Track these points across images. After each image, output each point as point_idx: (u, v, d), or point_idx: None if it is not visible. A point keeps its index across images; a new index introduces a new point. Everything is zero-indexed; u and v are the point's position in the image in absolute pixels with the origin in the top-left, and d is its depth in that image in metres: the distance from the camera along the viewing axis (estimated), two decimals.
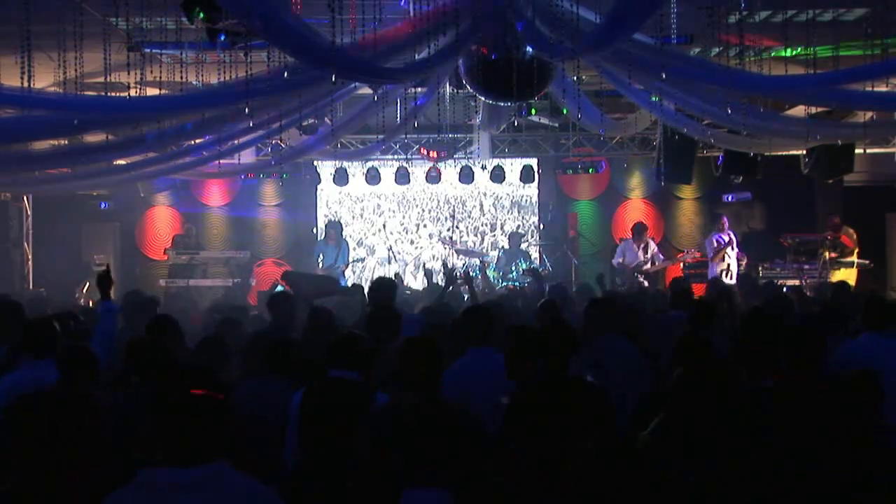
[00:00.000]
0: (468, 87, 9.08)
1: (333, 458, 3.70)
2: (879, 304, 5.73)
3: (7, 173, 10.81)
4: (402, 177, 14.95)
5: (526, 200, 16.09)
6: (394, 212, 16.06)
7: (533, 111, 11.80)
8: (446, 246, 15.18)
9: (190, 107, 8.75)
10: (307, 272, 12.56)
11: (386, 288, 6.98)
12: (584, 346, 4.93)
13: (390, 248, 15.34)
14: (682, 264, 13.84)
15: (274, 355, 4.96)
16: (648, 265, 13.38)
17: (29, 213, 14.60)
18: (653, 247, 13.68)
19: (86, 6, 7.60)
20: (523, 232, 15.53)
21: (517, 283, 12.82)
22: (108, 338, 5.61)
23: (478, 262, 14.01)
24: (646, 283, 12.77)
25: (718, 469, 3.52)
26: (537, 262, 14.33)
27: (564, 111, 12.00)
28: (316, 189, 15.67)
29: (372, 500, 3.54)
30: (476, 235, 16.04)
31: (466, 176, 15.06)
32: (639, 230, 13.69)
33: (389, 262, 15.19)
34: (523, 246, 14.71)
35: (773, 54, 9.95)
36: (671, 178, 13.38)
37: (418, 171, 15.21)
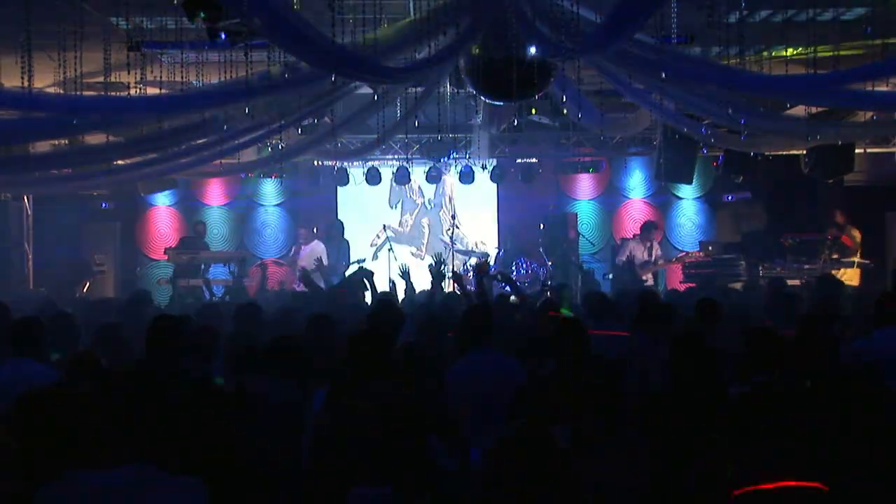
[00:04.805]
0: (468, 87, 9.07)
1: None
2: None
3: (7, 174, 10.80)
4: (403, 177, 14.93)
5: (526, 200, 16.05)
6: (394, 212, 16.05)
7: (533, 111, 11.76)
8: (446, 246, 15.16)
9: (190, 107, 8.75)
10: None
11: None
12: None
13: (391, 249, 15.31)
14: (682, 264, 13.81)
15: (282, 355, 4.90)
16: (654, 264, 13.37)
17: (29, 213, 14.58)
18: (657, 246, 13.66)
19: (86, 6, 7.60)
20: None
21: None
22: None
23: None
24: (650, 282, 12.77)
25: None
26: (537, 261, 14.30)
27: (565, 112, 11.96)
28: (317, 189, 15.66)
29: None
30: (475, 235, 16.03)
31: (466, 176, 15.04)
32: (648, 228, 13.63)
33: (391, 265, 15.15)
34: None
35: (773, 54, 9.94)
36: (671, 178, 13.37)
37: (418, 170, 15.19)
